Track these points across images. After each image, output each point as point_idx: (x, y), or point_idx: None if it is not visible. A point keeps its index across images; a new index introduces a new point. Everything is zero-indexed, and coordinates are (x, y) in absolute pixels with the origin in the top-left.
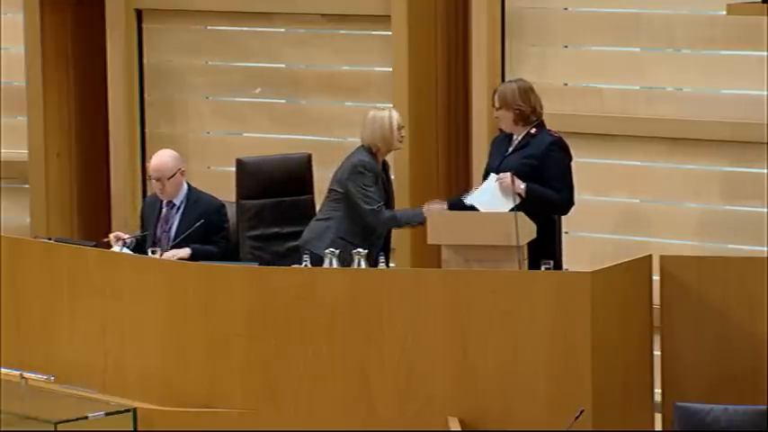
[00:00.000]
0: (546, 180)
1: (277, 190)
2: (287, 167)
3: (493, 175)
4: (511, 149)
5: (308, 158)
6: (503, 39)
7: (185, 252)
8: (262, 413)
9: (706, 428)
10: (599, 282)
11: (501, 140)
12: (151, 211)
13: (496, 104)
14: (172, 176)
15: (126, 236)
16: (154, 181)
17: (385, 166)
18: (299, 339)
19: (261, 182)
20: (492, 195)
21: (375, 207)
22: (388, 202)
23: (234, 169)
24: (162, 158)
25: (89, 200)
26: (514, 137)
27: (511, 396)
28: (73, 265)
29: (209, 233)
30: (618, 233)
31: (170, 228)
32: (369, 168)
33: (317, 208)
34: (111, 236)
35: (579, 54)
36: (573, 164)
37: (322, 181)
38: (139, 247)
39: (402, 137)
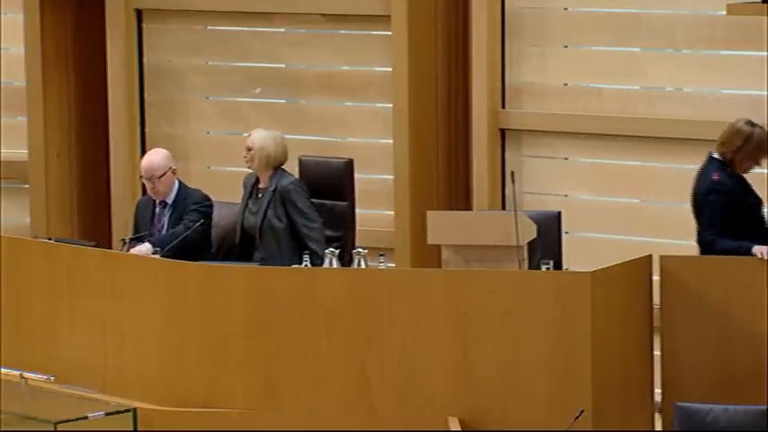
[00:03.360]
0: None
1: (319, 193)
2: (329, 171)
3: None
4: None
5: (349, 163)
6: (503, 39)
7: (145, 248)
8: (262, 413)
9: (706, 428)
10: (599, 282)
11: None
12: (145, 213)
13: None
14: (162, 175)
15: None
16: (145, 180)
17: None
18: (299, 339)
19: (307, 182)
20: None
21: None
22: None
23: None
24: (152, 158)
25: (89, 200)
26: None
27: (511, 396)
28: (73, 265)
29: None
30: (618, 233)
31: (162, 227)
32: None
33: (357, 216)
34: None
35: (579, 54)
36: (571, 163)
37: None
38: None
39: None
